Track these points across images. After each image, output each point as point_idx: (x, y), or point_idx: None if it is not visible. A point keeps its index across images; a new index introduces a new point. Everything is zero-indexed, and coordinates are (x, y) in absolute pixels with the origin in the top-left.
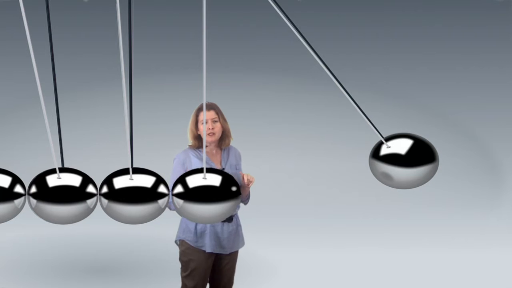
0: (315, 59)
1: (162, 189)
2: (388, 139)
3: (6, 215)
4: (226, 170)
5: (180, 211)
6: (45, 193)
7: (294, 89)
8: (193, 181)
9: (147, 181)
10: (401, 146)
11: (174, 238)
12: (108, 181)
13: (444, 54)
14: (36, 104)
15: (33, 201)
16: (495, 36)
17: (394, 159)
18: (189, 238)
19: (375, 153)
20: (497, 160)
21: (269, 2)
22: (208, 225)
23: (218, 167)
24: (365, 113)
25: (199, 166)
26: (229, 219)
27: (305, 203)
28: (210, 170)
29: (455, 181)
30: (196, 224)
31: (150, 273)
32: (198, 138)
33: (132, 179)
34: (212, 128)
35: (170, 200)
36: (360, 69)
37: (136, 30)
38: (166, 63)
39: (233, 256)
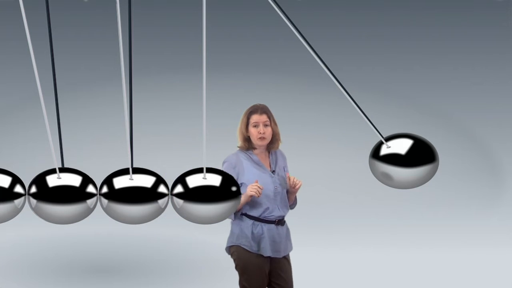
0: (315, 59)
1: (162, 189)
2: (388, 139)
3: (6, 215)
4: (276, 173)
5: (180, 211)
6: (45, 193)
7: (294, 89)
8: (193, 181)
9: (147, 181)
10: (401, 146)
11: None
12: (108, 181)
13: (444, 54)
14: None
15: (33, 201)
16: (495, 36)
17: (394, 159)
18: (245, 243)
19: (375, 153)
20: (497, 160)
21: (269, 2)
22: (264, 229)
23: (268, 169)
24: (365, 113)
25: (251, 169)
26: (282, 223)
27: (304, 203)
28: (210, 170)
29: (455, 181)
30: (252, 229)
31: (150, 273)
32: (248, 140)
33: (132, 179)
34: (263, 133)
35: None
36: (360, 69)
37: (136, 30)
38: (166, 63)
39: (288, 259)
